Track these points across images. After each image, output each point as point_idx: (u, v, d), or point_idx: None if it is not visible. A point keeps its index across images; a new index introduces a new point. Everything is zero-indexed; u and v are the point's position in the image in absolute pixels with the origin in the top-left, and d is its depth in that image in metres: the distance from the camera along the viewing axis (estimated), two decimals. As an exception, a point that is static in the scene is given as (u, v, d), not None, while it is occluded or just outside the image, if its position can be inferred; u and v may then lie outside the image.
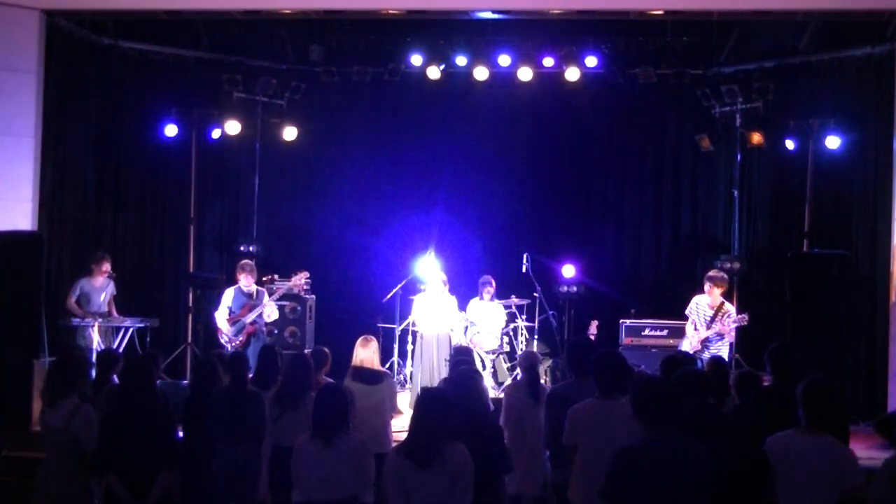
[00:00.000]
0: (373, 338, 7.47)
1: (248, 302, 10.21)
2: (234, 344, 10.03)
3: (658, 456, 4.22)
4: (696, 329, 9.95)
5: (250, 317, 10.13)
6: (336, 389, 5.38)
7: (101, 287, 10.36)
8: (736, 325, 9.88)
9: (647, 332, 10.97)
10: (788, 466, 4.81)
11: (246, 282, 10.27)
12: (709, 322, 9.88)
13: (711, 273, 10.16)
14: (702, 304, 10.01)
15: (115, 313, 10.45)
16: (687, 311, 10.12)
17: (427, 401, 4.79)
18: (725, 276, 10.26)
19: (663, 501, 4.18)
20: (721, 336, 9.86)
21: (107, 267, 10.41)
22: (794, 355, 6.06)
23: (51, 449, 5.75)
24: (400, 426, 7.44)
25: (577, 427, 5.50)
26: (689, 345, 9.90)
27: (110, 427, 5.49)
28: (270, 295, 10.47)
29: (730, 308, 10.00)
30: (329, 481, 4.98)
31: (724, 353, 9.92)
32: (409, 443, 4.70)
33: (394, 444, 7.07)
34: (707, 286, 9.98)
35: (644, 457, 4.26)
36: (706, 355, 9.73)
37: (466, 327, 11.08)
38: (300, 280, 10.92)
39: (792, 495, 4.80)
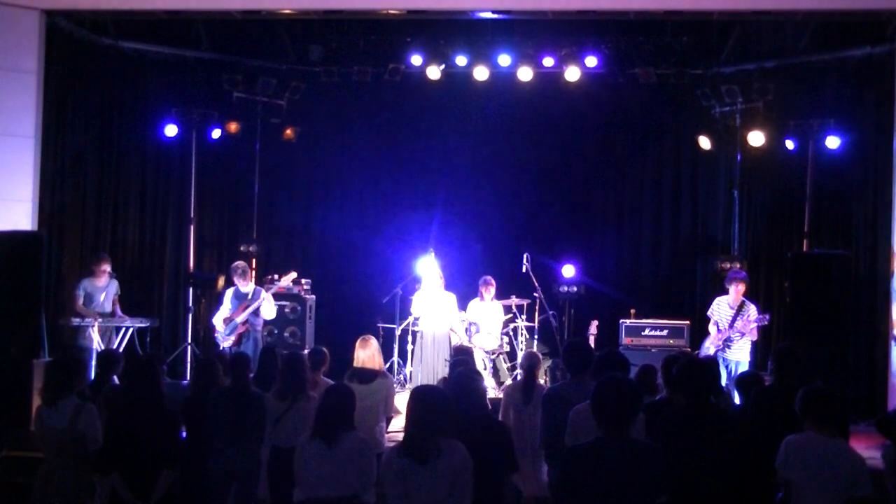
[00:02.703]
0: (371, 337, 7.43)
1: (245, 302, 10.25)
2: (225, 343, 10.08)
3: (605, 456, 4.15)
4: (718, 330, 9.97)
5: (242, 316, 10.15)
6: (342, 389, 5.38)
7: (103, 286, 10.34)
8: (757, 324, 9.87)
9: (646, 332, 10.98)
10: (807, 467, 4.79)
11: (241, 283, 10.32)
12: (731, 321, 9.89)
13: (732, 272, 10.18)
14: (723, 304, 10.05)
15: (118, 312, 10.43)
16: (708, 313, 10.18)
17: (419, 397, 4.79)
18: (746, 274, 10.28)
19: (611, 502, 4.12)
20: (742, 334, 9.87)
21: (106, 267, 10.39)
22: (799, 357, 6.05)
23: (52, 449, 5.73)
24: (398, 426, 7.44)
25: (579, 429, 5.47)
26: (711, 345, 9.93)
27: (116, 427, 5.48)
28: (266, 295, 10.50)
29: (751, 307, 10.01)
30: (331, 479, 4.99)
31: (746, 352, 9.96)
32: (407, 440, 4.69)
33: (389, 445, 7.10)
34: (728, 285, 10.01)
35: (591, 458, 4.18)
36: (728, 355, 9.76)
37: (468, 328, 11.08)
38: (288, 281, 10.92)
39: (806, 495, 4.79)
